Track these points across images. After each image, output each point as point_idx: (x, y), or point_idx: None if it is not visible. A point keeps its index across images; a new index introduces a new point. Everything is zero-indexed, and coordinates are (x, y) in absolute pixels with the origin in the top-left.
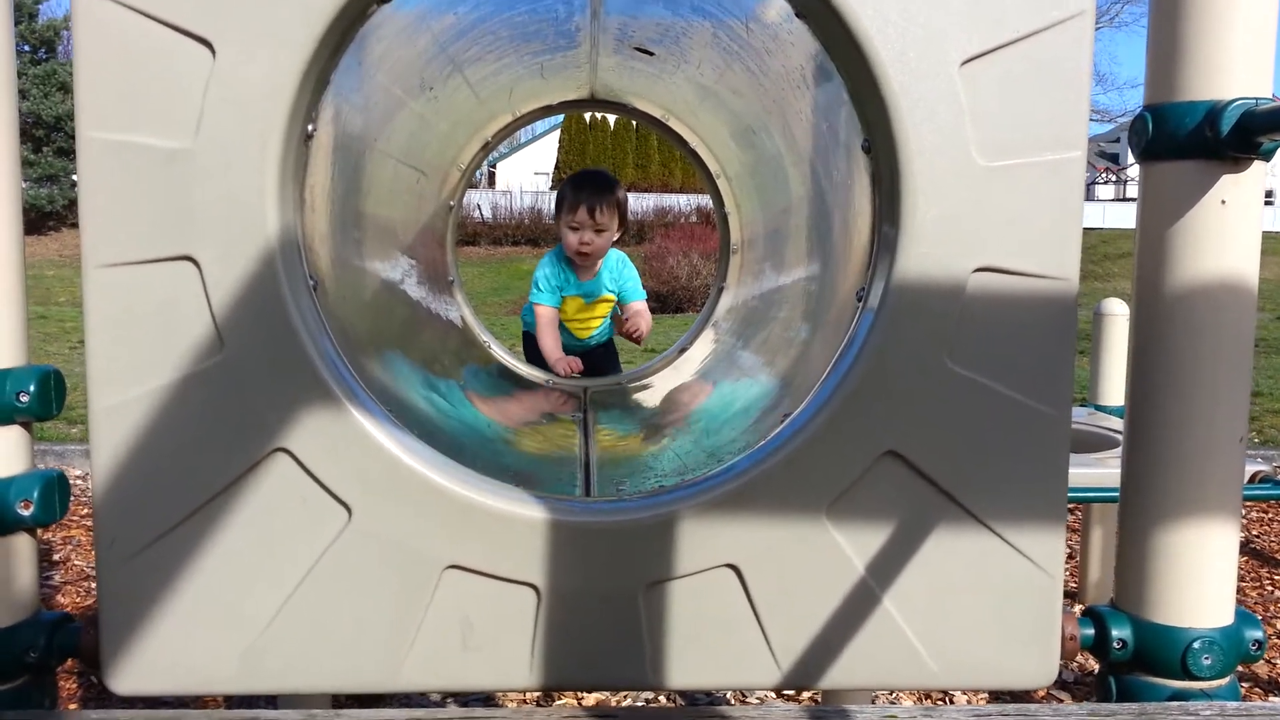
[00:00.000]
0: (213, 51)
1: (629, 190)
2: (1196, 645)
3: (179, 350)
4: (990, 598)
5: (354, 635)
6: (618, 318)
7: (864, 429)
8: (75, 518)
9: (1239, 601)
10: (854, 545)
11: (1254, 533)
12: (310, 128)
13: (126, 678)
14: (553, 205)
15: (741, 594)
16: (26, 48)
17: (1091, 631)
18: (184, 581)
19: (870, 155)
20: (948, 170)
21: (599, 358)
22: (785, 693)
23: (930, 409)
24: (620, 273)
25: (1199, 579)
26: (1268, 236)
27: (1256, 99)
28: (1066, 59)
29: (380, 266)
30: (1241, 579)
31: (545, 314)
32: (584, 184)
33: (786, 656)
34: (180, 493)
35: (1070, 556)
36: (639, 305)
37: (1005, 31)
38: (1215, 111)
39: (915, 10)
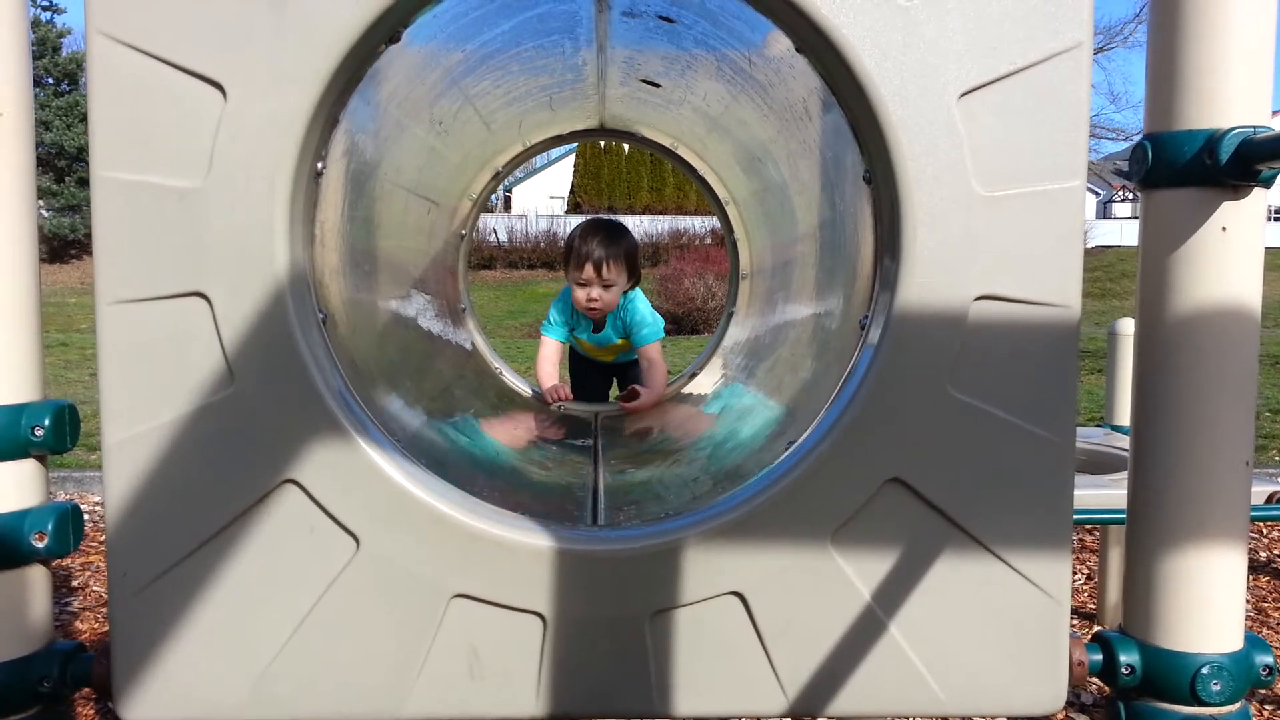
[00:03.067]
0: (223, 93)
1: (644, 213)
2: (1205, 671)
3: (190, 384)
4: (996, 624)
5: (362, 664)
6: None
7: (868, 456)
8: (94, 544)
9: (1262, 622)
10: (859, 572)
11: (1276, 553)
12: (320, 165)
13: (139, 706)
14: (567, 230)
15: (747, 621)
16: (50, 80)
17: (1099, 657)
18: (195, 611)
19: (871, 185)
20: (948, 200)
21: (630, 377)
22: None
23: (934, 436)
24: (628, 320)
25: (1207, 604)
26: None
27: (1255, 127)
28: (1064, 90)
29: (392, 298)
30: (1263, 599)
31: (547, 345)
32: (591, 237)
33: (792, 684)
34: (191, 524)
35: (1089, 578)
36: (649, 352)
37: (1003, 64)
38: (1214, 140)
39: (914, 44)
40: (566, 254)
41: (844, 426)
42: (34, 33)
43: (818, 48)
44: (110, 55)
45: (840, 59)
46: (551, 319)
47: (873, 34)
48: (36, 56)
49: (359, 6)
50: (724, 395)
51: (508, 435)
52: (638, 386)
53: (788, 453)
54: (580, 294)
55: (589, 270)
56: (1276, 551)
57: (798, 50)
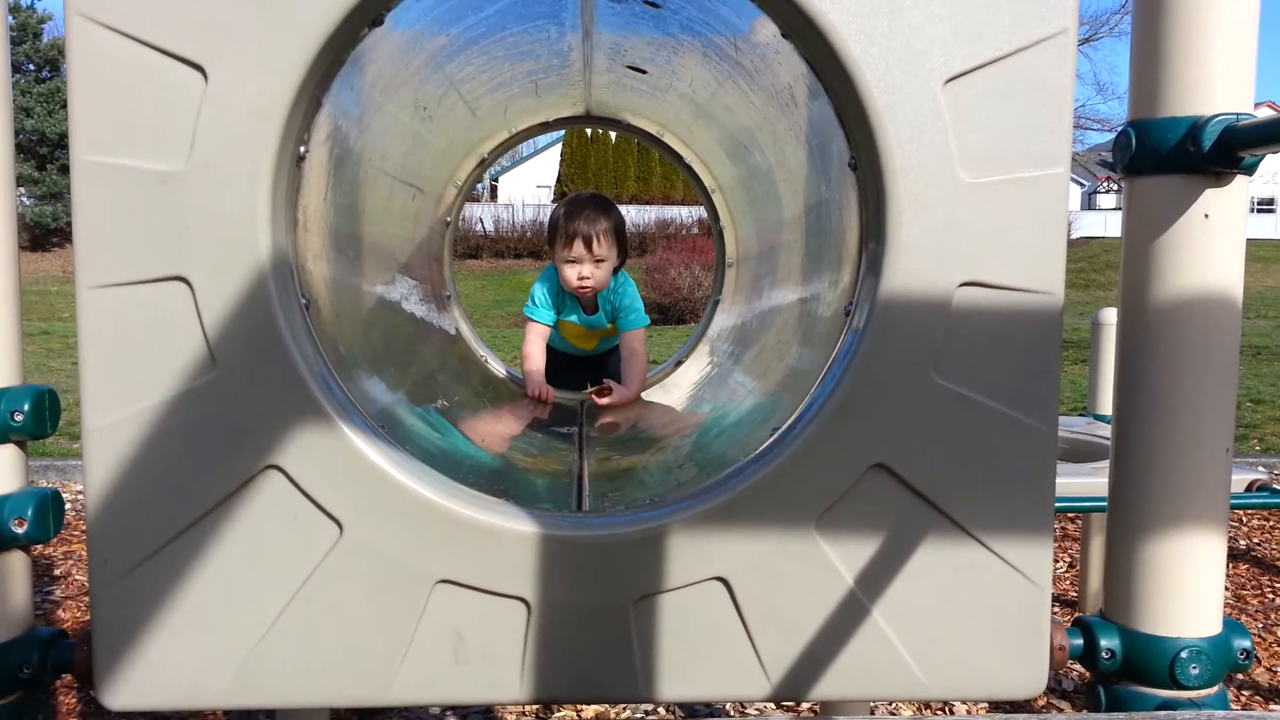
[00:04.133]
0: (205, 76)
1: (630, 203)
2: (1184, 655)
3: (171, 369)
4: (978, 609)
5: (346, 649)
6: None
7: (852, 443)
8: (77, 533)
9: (1240, 609)
10: (843, 558)
11: (1255, 540)
12: (302, 149)
13: (120, 693)
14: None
15: (731, 607)
16: (31, 66)
17: (1080, 641)
18: (177, 597)
19: (857, 171)
20: (932, 186)
21: (607, 370)
22: (784, 703)
23: (917, 422)
24: (618, 302)
25: (1186, 589)
26: (1269, 244)
27: (1238, 114)
28: (1049, 76)
29: (376, 284)
30: (1242, 587)
31: (534, 329)
32: (578, 212)
33: (776, 669)
34: (173, 510)
35: (1070, 565)
36: (632, 340)
37: (988, 50)
38: (1197, 127)
39: (899, 30)
40: (551, 232)
41: (828, 412)
42: (13, 18)
43: (803, 33)
44: (90, 37)
45: (826, 44)
46: (537, 300)
47: (858, 19)
48: (16, 42)
49: None
50: (711, 382)
51: (494, 436)
52: (612, 382)
53: (772, 438)
54: (570, 273)
55: (579, 246)
56: (1256, 540)
57: (784, 36)
